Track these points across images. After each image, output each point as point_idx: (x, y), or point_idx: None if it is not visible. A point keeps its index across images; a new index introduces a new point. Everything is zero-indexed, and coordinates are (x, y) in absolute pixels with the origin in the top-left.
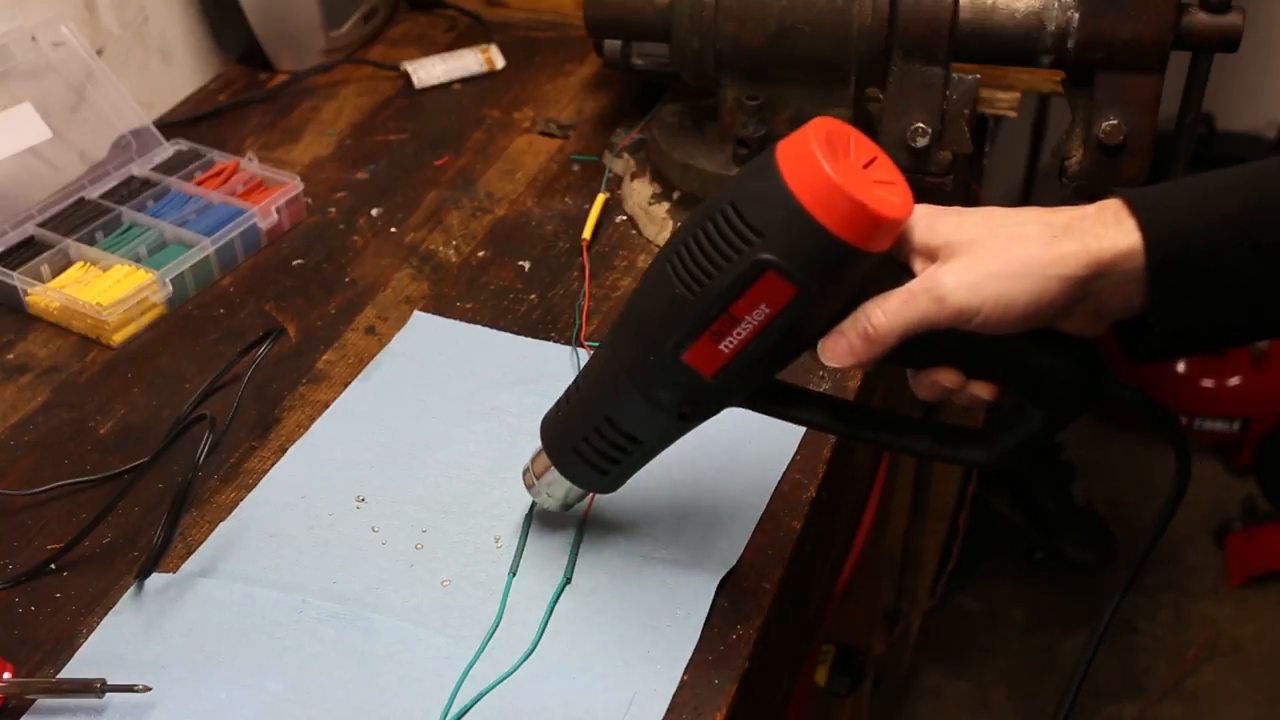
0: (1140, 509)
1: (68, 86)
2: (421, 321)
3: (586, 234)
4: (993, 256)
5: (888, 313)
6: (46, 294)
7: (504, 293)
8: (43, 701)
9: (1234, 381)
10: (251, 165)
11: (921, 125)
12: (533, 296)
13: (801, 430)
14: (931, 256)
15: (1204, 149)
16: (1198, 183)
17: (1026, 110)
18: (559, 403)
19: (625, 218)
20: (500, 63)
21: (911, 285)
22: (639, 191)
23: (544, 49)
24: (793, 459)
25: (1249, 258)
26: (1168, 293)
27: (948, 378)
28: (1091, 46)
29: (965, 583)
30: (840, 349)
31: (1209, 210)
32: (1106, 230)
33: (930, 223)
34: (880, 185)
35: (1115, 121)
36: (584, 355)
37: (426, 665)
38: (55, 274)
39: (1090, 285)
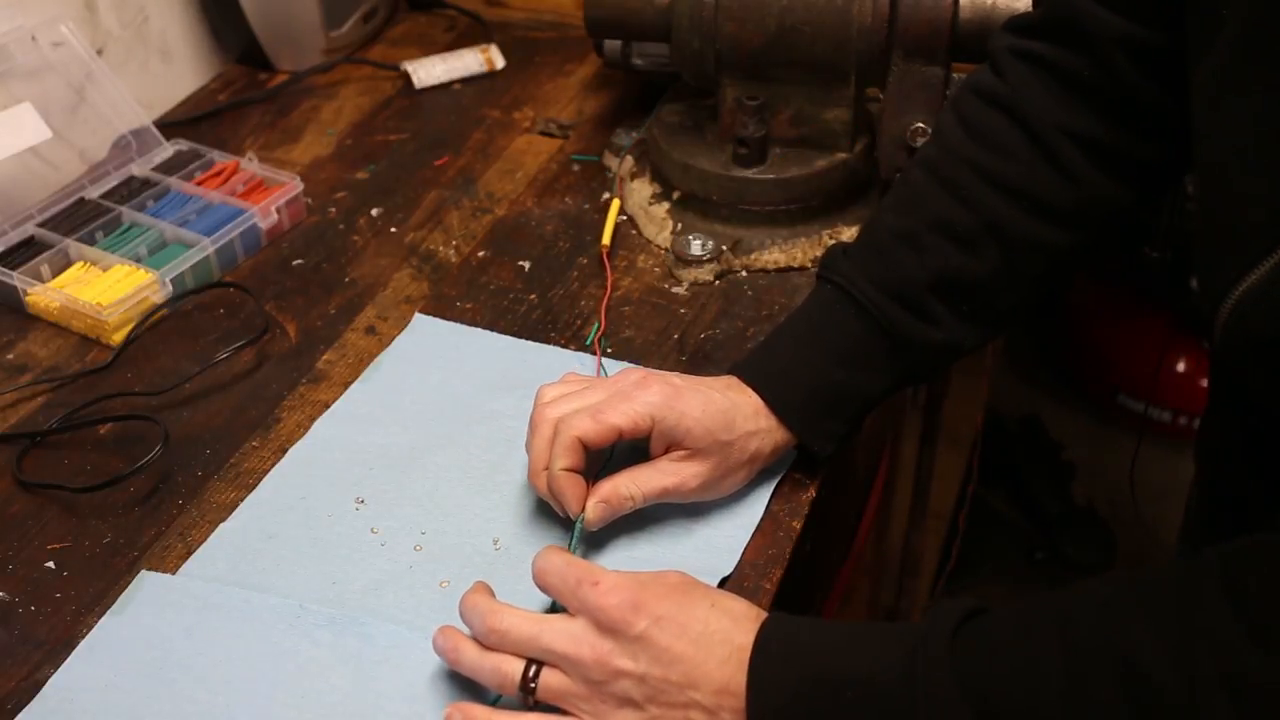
0: (1140, 509)
1: (68, 86)
2: (422, 323)
3: (605, 240)
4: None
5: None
6: (46, 294)
7: (504, 293)
8: (41, 701)
9: None
10: (251, 165)
11: (921, 125)
12: (533, 297)
13: None
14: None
15: None
16: (788, 351)
17: None
18: None
19: (625, 218)
20: (500, 63)
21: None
22: (639, 191)
23: (544, 49)
24: (793, 459)
25: (835, 372)
26: (813, 431)
27: None
28: None
29: (965, 583)
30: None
31: (807, 371)
32: (769, 434)
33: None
34: None
35: None
36: (606, 361)
37: (422, 670)
38: (55, 274)
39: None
